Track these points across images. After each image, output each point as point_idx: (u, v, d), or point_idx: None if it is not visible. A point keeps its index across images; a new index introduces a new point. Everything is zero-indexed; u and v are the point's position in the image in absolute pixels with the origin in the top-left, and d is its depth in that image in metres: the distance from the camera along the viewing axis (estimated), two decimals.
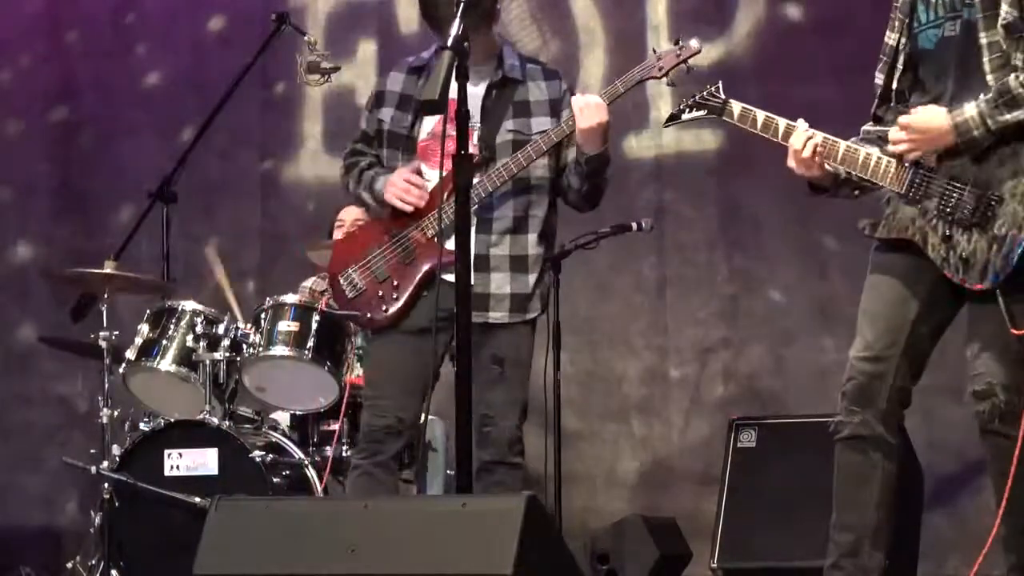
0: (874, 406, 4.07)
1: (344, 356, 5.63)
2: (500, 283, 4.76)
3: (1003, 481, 3.97)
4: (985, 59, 3.97)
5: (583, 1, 7.17)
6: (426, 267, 4.75)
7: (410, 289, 4.75)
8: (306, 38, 6.37)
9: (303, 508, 3.93)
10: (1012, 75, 3.91)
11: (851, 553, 4.11)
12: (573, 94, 4.81)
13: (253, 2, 7.42)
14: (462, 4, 3.98)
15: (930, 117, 3.99)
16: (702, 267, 6.90)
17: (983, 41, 3.97)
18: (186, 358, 5.57)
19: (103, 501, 5.41)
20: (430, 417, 5.78)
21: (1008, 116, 3.89)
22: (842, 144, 4.09)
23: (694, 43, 4.64)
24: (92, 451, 5.58)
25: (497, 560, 3.40)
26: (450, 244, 4.37)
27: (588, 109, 4.62)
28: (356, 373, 6.00)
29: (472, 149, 4.54)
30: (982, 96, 3.92)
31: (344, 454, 5.60)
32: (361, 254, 4.84)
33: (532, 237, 4.80)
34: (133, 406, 5.76)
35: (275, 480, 5.33)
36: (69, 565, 5.79)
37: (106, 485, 5.40)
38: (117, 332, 5.62)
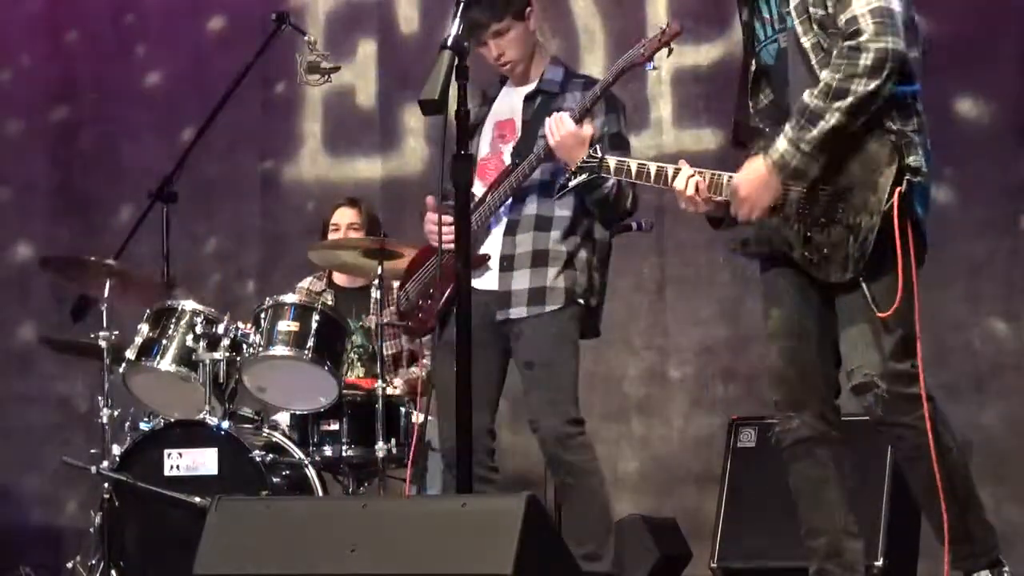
0: (806, 407, 4.12)
1: (344, 356, 5.63)
2: (520, 280, 4.88)
3: (917, 472, 3.99)
4: (813, 61, 4.00)
5: (583, 1, 7.16)
6: (453, 279, 4.81)
7: (442, 300, 4.88)
8: (306, 38, 6.37)
9: (303, 508, 3.93)
10: (805, 92, 3.93)
11: (832, 554, 4.14)
12: (615, 100, 4.98)
13: (253, 2, 7.42)
14: (462, 4, 3.99)
15: (747, 172, 4.03)
16: (702, 267, 6.89)
17: (806, 45, 4.01)
18: (186, 358, 5.57)
19: (103, 501, 5.41)
20: (430, 418, 5.78)
21: (815, 132, 3.90)
22: (708, 173, 4.13)
23: (675, 24, 4.74)
24: (92, 451, 5.57)
25: (497, 560, 3.40)
26: (482, 249, 4.82)
27: (552, 125, 4.76)
28: (357, 373, 6.01)
29: (501, 160, 4.93)
30: (787, 125, 3.95)
31: (344, 453, 5.60)
32: (418, 270, 5.08)
33: (555, 235, 4.90)
34: (133, 406, 5.76)
35: (275, 480, 5.33)
36: (69, 565, 5.79)
37: (106, 485, 5.39)
38: (117, 332, 5.62)
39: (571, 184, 4.43)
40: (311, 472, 5.50)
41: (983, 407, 6.14)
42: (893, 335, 3.95)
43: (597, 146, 4.46)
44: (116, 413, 5.60)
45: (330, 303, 6.12)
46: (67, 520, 7.46)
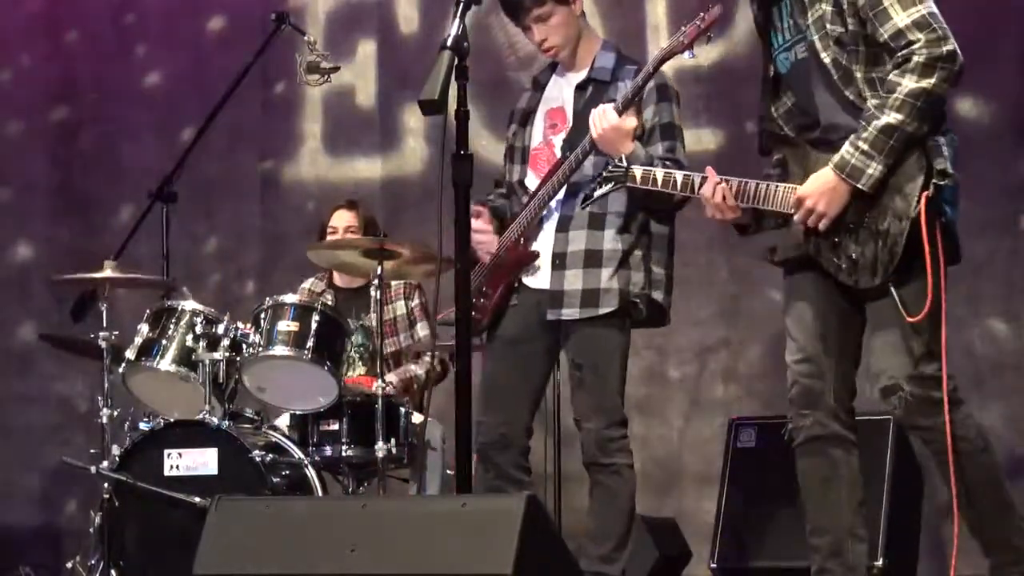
0: (822, 406, 4.12)
1: (344, 356, 5.63)
2: (572, 280, 4.82)
3: (945, 470, 4.03)
4: (835, 77, 4.04)
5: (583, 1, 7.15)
6: (509, 269, 4.91)
7: (498, 292, 4.91)
8: (306, 38, 6.37)
9: (303, 508, 3.93)
10: (866, 103, 3.97)
11: (834, 554, 4.15)
12: (667, 89, 4.91)
13: (253, 2, 7.42)
14: (461, 4, 3.99)
15: (815, 183, 4.03)
16: (702, 267, 6.89)
17: (825, 60, 4.05)
18: (186, 358, 5.57)
19: (103, 501, 5.40)
20: (429, 418, 5.79)
21: (871, 131, 3.93)
22: (735, 180, 4.14)
23: (715, 9, 4.52)
24: (92, 451, 5.57)
25: (497, 560, 3.40)
26: (535, 246, 4.86)
27: (595, 118, 4.69)
28: (358, 372, 6.01)
29: (553, 152, 4.90)
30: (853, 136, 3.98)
31: (344, 453, 5.61)
32: (482, 271, 5.00)
33: (609, 233, 4.84)
34: (133, 406, 5.76)
35: (275, 480, 5.33)
36: (69, 565, 5.79)
37: (106, 485, 5.39)
38: (117, 332, 5.62)
39: (596, 194, 4.42)
40: (311, 472, 5.50)
41: (983, 407, 6.13)
42: (921, 339, 3.98)
43: (624, 155, 4.41)
44: (116, 413, 5.60)
45: (330, 303, 6.13)
46: (67, 520, 7.46)
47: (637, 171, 4.30)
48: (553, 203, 4.90)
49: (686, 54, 4.60)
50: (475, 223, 4.83)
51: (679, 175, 4.23)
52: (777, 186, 4.10)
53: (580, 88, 4.94)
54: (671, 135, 4.90)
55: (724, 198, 4.12)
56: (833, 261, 4.04)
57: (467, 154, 3.96)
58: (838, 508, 4.15)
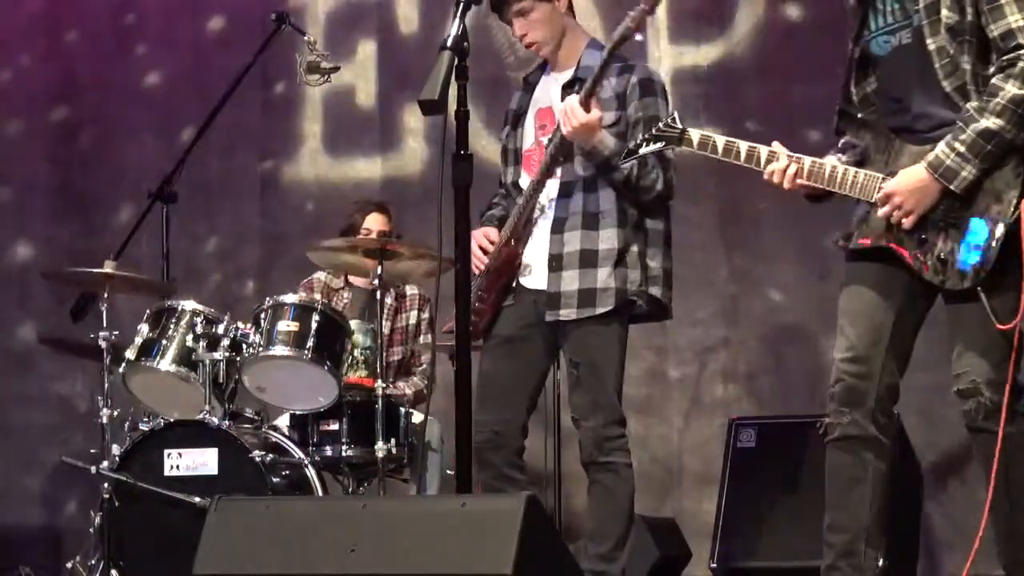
0: (863, 406, 4.09)
1: (344, 356, 5.63)
2: (569, 280, 4.81)
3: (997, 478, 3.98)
4: (936, 66, 3.98)
5: (583, 1, 7.16)
6: (502, 278, 4.91)
7: (493, 295, 4.90)
8: (306, 38, 6.37)
9: (303, 508, 3.93)
10: (964, 101, 3.92)
11: (847, 554, 4.12)
12: (651, 83, 4.89)
13: (253, 2, 7.42)
14: (461, 4, 3.99)
15: (905, 178, 3.99)
16: (702, 267, 6.89)
17: (931, 47, 3.98)
18: (186, 358, 5.57)
19: (103, 501, 5.40)
20: (429, 418, 5.80)
21: (968, 133, 3.89)
22: (807, 160, 4.10)
23: None
24: (92, 451, 5.58)
25: (497, 560, 3.40)
26: (527, 247, 4.86)
27: (564, 114, 4.69)
28: (360, 374, 6.01)
29: (544, 152, 4.85)
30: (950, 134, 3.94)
31: (344, 453, 5.61)
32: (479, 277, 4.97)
33: (604, 232, 4.82)
34: (133, 406, 5.76)
35: (275, 480, 5.33)
36: (69, 565, 5.79)
37: (106, 485, 5.39)
38: (117, 332, 5.62)
39: (641, 151, 4.33)
40: (311, 472, 5.50)
41: None
42: (1003, 345, 3.94)
43: (676, 114, 4.32)
44: (116, 413, 5.60)
45: (346, 300, 6.15)
46: (67, 520, 7.46)
47: (694, 134, 4.22)
48: (547, 204, 4.89)
49: (636, 36, 4.62)
50: (482, 243, 4.90)
51: (743, 146, 4.14)
52: (857, 172, 4.04)
53: (567, 87, 4.89)
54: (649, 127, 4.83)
55: (791, 178, 4.07)
56: (919, 258, 3.99)
57: (467, 154, 3.96)
58: (859, 509, 4.11)
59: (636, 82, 4.85)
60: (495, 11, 4.99)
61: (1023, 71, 3.86)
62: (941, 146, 3.93)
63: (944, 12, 3.96)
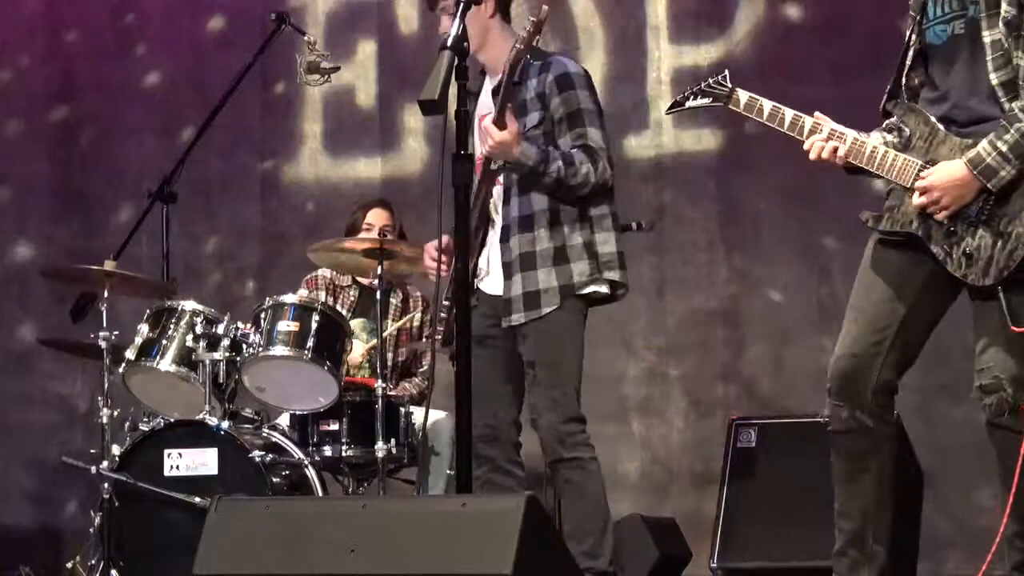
0: (858, 401, 4.10)
1: (344, 356, 5.63)
2: (515, 286, 4.85)
3: (1011, 477, 3.97)
4: (988, 58, 3.97)
5: (583, 1, 7.16)
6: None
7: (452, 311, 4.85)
8: (306, 38, 6.37)
9: (303, 508, 3.93)
10: (1016, 103, 3.91)
11: (855, 542, 4.15)
12: (567, 77, 4.85)
13: (253, 2, 7.42)
14: (461, 4, 3.99)
15: (943, 173, 3.98)
16: (702, 267, 6.90)
17: (986, 39, 3.97)
18: (186, 358, 5.57)
19: (103, 501, 5.40)
20: (441, 415, 5.79)
21: (1012, 134, 3.90)
22: (849, 136, 4.09)
23: (545, 9, 4.57)
24: (92, 451, 5.58)
25: (497, 560, 3.40)
26: (483, 255, 4.89)
27: (482, 135, 4.73)
28: (363, 374, 6.01)
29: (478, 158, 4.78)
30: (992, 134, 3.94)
31: (344, 453, 5.61)
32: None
33: (540, 232, 4.84)
34: (133, 406, 5.76)
35: (275, 480, 5.33)
36: (69, 565, 5.79)
37: (106, 485, 5.39)
38: (117, 332, 5.62)
39: (688, 103, 4.31)
40: (311, 472, 5.50)
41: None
42: None
43: (727, 72, 4.30)
44: (116, 413, 5.60)
45: (352, 298, 6.15)
46: (67, 520, 7.46)
47: (742, 95, 4.21)
48: (495, 211, 4.91)
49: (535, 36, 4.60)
50: (432, 252, 4.88)
51: (789, 113, 4.13)
52: (897, 156, 4.04)
53: (495, 94, 4.84)
54: (579, 122, 4.84)
55: (831, 151, 4.06)
56: (944, 249, 3.99)
57: (467, 154, 3.97)
58: (863, 497, 4.14)
59: (553, 80, 4.84)
60: (427, 5, 5.06)
61: None
62: (984, 143, 3.93)
63: (1004, 6, 3.95)
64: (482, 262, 4.95)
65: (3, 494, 7.58)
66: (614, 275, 4.88)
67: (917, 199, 4.01)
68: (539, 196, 4.82)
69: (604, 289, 4.88)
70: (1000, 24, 3.96)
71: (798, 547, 5.46)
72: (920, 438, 5.78)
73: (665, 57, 6.94)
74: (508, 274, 4.86)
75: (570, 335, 4.88)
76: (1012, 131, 3.90)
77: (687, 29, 6.95)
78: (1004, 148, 3.90)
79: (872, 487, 4.14)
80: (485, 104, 4.97)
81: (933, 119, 4.06)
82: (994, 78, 3.96)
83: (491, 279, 4.94)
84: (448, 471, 5.85)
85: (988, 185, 3.92)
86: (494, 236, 4.94)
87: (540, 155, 4.73)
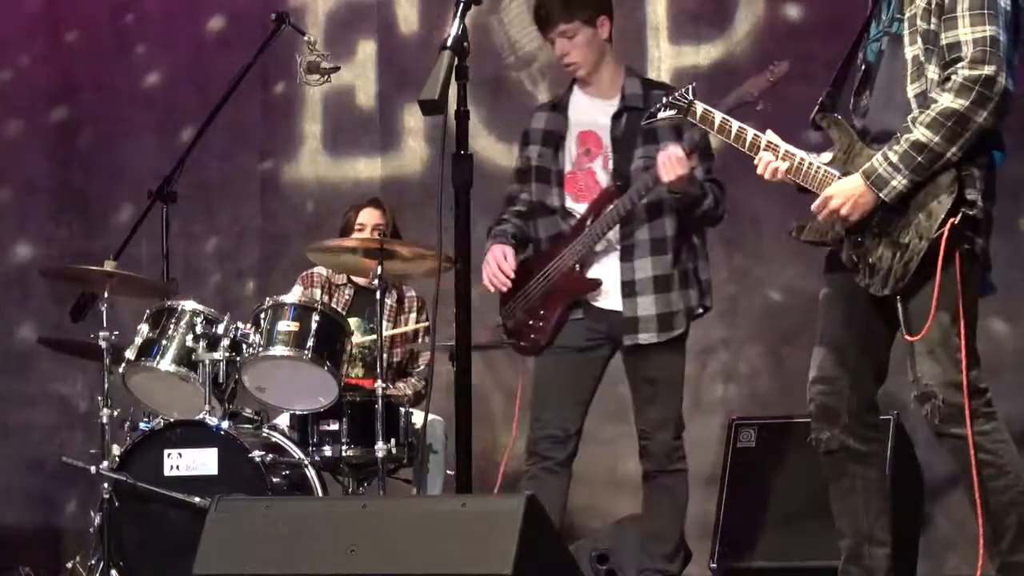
0: (838, 423, 4.19)
1: (344, 356, 5.63)
2: (647, 305, 5.08)
3: (969, 482, 4.02)
4: (907, 72, 4.03)
5: None
6: (569, 294, 5.13)
7: (556, 314, 5.14)
8: (306, 38, 6.37)
9: (303, 508, 3.93)
10: (911, 115, 3.95)
11: (853, 558, 4.25)
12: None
13: (253, 2, 7.41)
14: (461, 4, 3.99)
15: (844, 185, 4.05)
16: None
17: (907, 55, 4.04)
18: (186, 358, 5.57)
19: (103, 501, 5.41)
20: (433, 417, 5.80)
21: (902, 145, 3.95)
22: (795, 160, 4.15)
23: (784, 65, 4.94)
24: (92, 451, 5.58)
25: (497, 560, 3.41)
26: (593, 272, 5.12)
27: (669, 163, 4.90)
28: (356, 373, 6.01)
29: (607, 180, 5.12)
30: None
31: (344, 453, 5.61)
32: (519, 289, 5.17)
33: (671, 257, 5.09)
34: (133, 406, 5.76)
35: (275, 480, 5.33)
36: (69, 565, 5.80)
37: (106, 485, 5.39)
38: (117, 332, 5.62)
39: (659, 116, 4.48)
40: (311, 472, 5.50)
41: None
42: (952, 347, 3.97)
43: (691, 86, 4.48)
44: (116, 413, 5.60)
45: (347, 298, 6.15)
46: (67, 520, 7.46)
47: (699, 107, 4.35)
48: (613, 235, 5.11)
49: (757, 106, 4.83)
50: (503, 265, 5.10)
51: (735, 125, 4.27)
52: (819, 168, 4.12)
53: (616, 117, 5.11)
54: (709, 156, 5.17)
55: (773, 172, 4.17)
56: (853, 259, 4.08)
57: (467, 154, 3.96)
58: (855, 516, 4.23)
59: None
60: (539, 28, 5.21)
61: (956, 84, 3.90)
62: (877, 155, 4.00)
63: (919, 23, 4.02)
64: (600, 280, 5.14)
65: (3, 494, 7.57)
66: (709, 300, 5.24)
67: (820, 214, 4.07)
68: (670, 220, 5.08)
69: (701, 313, 5.25)
70: (919, 40, 4.00)
71: (798, 547, 5.46)
72: (921, 438, 5.77)
73: (665, 57, 6.94)
74: (631, 292, 5.06)
75: (684, 357, 5.24)
76: (902, 142, 3.94)
77: (687, 29, 6.94)
78: (895, 159, 3.95)
79: (862, 507, 4.23)
80: (585, 120, 5.19)
81: (853, 132, 4.12)
82: (909, 91, 4.02)
83: (611, 298, 5.13)
84: (448, 472, 5.86)
85: (881, 195, 3.97)
86: (610, 257, 5.11)
87: (702, 188, 5.05)
